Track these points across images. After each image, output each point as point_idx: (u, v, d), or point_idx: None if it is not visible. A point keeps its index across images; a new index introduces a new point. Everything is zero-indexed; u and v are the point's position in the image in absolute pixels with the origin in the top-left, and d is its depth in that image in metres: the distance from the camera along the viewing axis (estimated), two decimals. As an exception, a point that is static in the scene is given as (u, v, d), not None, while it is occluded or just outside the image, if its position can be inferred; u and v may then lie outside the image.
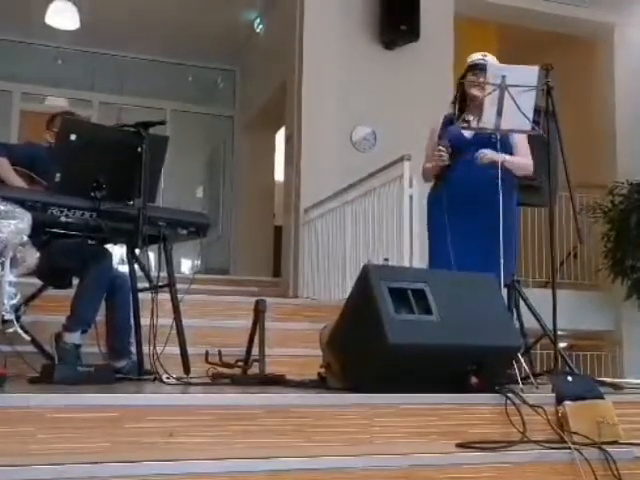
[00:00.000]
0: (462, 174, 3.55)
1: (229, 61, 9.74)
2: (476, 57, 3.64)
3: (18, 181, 3.33)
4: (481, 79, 3.47)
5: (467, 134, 3.58)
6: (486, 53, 3.68)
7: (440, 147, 3.56)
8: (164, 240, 3.17)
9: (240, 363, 3.23)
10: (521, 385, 2.81)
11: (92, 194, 2.94)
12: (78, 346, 3.13)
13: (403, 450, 2.32)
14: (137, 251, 3.24)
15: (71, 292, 3.22)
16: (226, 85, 10.12)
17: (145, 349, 3.10)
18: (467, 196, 3.51)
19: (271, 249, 8.95)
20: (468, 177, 3.53)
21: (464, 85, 3.63)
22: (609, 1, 7.65)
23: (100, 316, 3.28)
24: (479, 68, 3.53)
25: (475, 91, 3.54)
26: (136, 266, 3.28)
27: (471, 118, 3.54)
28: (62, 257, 3.15)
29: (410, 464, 2.26)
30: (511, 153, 3.57)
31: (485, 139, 3.52)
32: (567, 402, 2.58)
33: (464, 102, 3.64)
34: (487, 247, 3.37)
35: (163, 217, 3.16)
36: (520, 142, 3.62)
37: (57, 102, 9.04)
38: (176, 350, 3.10)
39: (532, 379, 3.02)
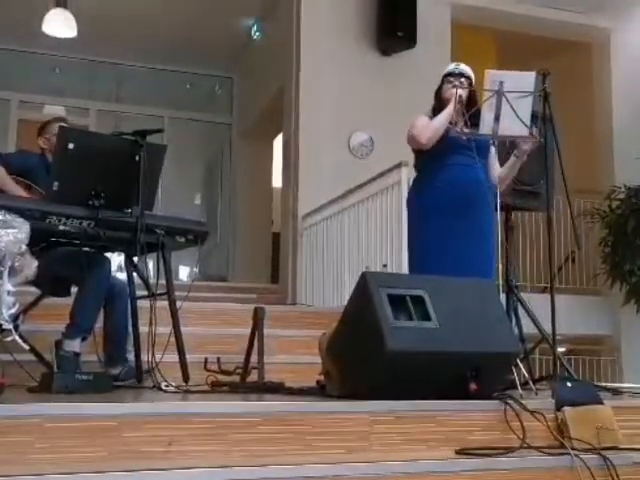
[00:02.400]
0: (455, 176, 3.52)
1: (227, 68, 9.77)
2: (451, 66, 3.70)
3: (17, 189, 3.33)
4: (457, 83, 3.57)
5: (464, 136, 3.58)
6: (459, 63, 3.75)
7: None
8: (162, 248, 3.17)
9: (239, 371, 3.23)
10: (520, 391, 2.81)
11: (90, 203, 2.94)
12: (78, 354, 3.13)
13: (402, 457, 2.31)
14: (135, 259, 3.25)
15: (70, 300, 3.22)
16: (224, 92, 10.14)
17: (144, 357, 3.10)
18: (459, 199, 3.49)
19: (269, 256, 8.96)
20: (462, 180, 3.51)
21: (443, 90, 3.64)
22: (606, 7, 7.68)
23: (98, 323, 3.28)
24: (458, 74, 3.61)
25: (452, 91, 3.56)
26: (134, 274, 3.29)
27: (461, 124, 3.54)
28: (60, 266, 3.15)
29: (409, 471, 2.26)
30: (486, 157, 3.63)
31: (480, 142, 3.53)
32: (566, 408, 2.58)
33: (441, 106, 3.62)
34: (477, 250, 3.39)
35: (161, 225, 3.16)
36: (493, 153, 3.70)
37: (55, 110, 9.03)
38: (175, 358, 3.10)
39: (531, 385, 3.02)
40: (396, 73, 6.87)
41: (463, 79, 3.61)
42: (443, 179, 3.55)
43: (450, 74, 3.64)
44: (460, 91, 3.51)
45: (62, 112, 8.83)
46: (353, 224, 5.64)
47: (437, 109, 3.64)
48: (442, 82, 3.69)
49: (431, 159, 3.61)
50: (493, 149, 3.68)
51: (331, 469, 2.19)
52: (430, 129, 3.55)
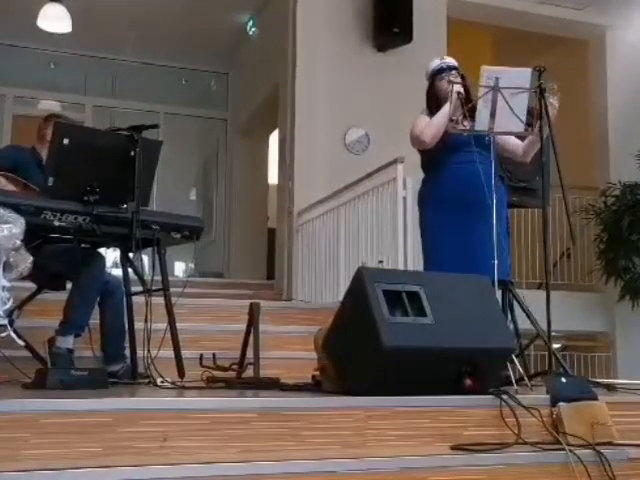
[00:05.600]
0: (461, 173, 3.51)
1: (222, 64, 9.74)
2: (437, 62, 3.71)
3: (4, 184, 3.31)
4: (451, 77, 3.55)
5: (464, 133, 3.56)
6: (444, 57, 3.77)
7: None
8: (158, 244, 3.17)
9: (235, 366, 3.23)
10: (515, 387, 2.82)
11: (85, 198, 2.93)
12: (71, 351, 3.12)
13: (397, 452, 2.32)
14: (131, 255, 3.24)
15: (65, 296, 3.21)
16: (219, 88, 10.12)
17: (139, 353, 3.10)
18: (466, 197, 3.45)
19: (265, 252, 8.94)
20: (467, 177, 3.46)
21: (437, 88, 3.64)
22: (602, 4, 7.67)
23: (94, 320, 3.28)
24: (448, 69, 3.62)
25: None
26: (130, 270, 3.28)
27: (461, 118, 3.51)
28: (54, 261, 3.14)
29: (404, 466, 2.27)
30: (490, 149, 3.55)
31: (482, 138, 3.49)
32: (561, 403, 2.58)
33: (439, 105, 3.61)
34: (488, 247, 3.36)
35: (156, 221, 3.16)
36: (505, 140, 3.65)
37: (50, 106, 9.01)
38: (170, 354, 3.10)
39: (526, 380, 3.03)
40: (392, 69, 6.86)
41: (454, 71, 3.61)
42: (449, 178, 3.54)
43: (439, 71, 3.64)
44: (457, 87, 3.47)
45: (57, 108, 8.82)
46: (349, 220, 5.63)
47: (435, 108, 3.62)
48: (432, 80, 3.68)
49: (436, 158, 3.60)
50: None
51: (326, 465, 2.19)
52: (432, 127, 3.55)
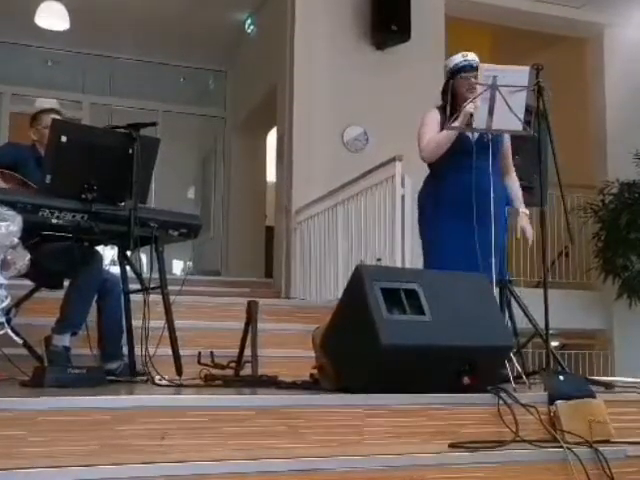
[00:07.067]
0: (469, 178, 3.40)
1: (220, 62, 9.73)
2: (459, 58, 3.58)
3: None
4: (472, 79, 3.43)
5: (471, 137, 3.51)
6: (466, 53, 3.63)
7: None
8: (155, 241, 3.16)
9: (232, 364, 3.23)
10: (513, 385, 2.82)
11: (83, 196, 2.93)
12: (68, 349, 3.12)
13: (395, 450, 2.32)
14: (128, 253, 3.23)
15: (63, 294, 3.21)
16: (217, 86, 10.11)
17: (137, 351, 3.10)
18: (468, 195, 3.36)
19: (263, 250, 8.95)
20: (468, 175, 3.39)
21: (456, 87, 3.53)
22: (600, 2, 7.67)
23: (92, 318, 3.27)
24: (471, 68, 3.51)
25: (470, 94, 3.41)
26: (128, 268, 3.28)
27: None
28: (52, 260, 3.13)
29: (402, 464, 2.27)
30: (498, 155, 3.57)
31: (487, 142, 3.45)
32: (559, 401, 2.59)
33: (454, 104, 3.50)
34: (488, 246, 3.34)
35: (154, 218, 3.15)
36: (508, 149, 3.67)
37: (47, 104, 8.98)
38: (168, 352, 3.09)
39: (524, 378, 3.03)
40: (390, 67, 6.86)
41: (476, 74, 3.42)
42: (451, 177, 3.53)
43: (461, 69, 3.52)
44: (471, 108, 3.31)
45: (55, 105, 8.80)
46: (347, 218, 5.63)
47: (448, 104, 3.46)
48: (452, 76, 3.55)
49: (443, 160, 3.56)
50: (507, 142, 3.65)
51: (324, 462, 2.19)
52: (434, 144, 3.50)
